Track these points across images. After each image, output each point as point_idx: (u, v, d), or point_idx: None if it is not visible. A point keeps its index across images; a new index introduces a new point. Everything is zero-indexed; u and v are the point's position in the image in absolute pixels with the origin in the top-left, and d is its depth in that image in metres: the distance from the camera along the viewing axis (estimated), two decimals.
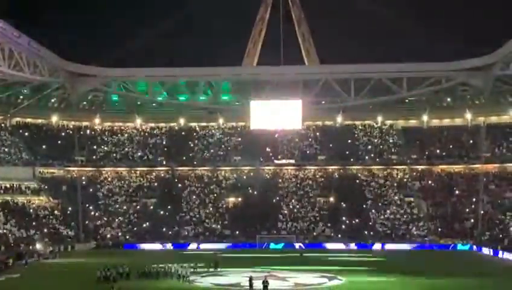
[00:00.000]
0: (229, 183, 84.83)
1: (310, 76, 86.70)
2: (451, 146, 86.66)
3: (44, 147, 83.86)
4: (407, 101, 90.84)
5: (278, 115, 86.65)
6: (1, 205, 69.78)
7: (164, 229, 74.99)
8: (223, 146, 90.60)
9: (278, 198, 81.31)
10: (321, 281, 39.48)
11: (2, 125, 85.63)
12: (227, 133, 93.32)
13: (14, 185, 75.47)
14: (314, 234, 74.48)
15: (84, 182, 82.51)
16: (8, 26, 62.21)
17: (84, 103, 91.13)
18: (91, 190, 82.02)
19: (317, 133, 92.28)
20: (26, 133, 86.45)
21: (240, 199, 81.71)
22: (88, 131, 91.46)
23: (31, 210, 73.35)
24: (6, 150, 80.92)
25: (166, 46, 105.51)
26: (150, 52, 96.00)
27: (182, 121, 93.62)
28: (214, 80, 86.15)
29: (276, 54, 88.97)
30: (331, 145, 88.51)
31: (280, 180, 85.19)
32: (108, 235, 74.24)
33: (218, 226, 76.37)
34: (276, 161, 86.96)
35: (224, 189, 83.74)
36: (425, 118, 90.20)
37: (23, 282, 40.54)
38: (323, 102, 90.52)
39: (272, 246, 70.52)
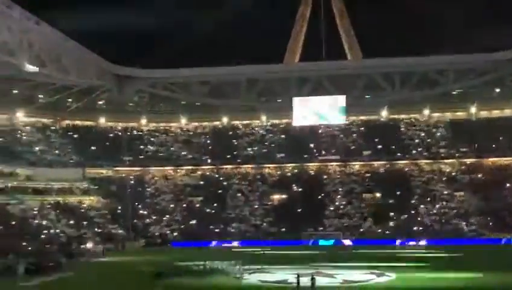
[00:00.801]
0: (274, 181, 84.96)
1: (353, 71, 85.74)
2: (501, 138, 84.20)
3: (93, 148, 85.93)
4: (454, 93, 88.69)
5: (321, 110, 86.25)
6: (53, 206, 71.95)
7: (211, 226, 75.75)
8: (266, 143, 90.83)
9: (323, 195, 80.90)
10: (369, 277, 39.00)
11: (52, 128, 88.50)
12: (270, 130, 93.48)
13: (65, 186, 77.67)
14: (361, 230, 73.76)
15: (132, 182, 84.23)
16: (56, 32, 64.05)
17: (131, 104, 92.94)
18: (139, 189, 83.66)
19: (362, 128, 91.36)
20: (76, 136, 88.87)
21: (284, 196, 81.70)
22: (135, 132, 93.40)
23: (82, 210, 75.41)
24: (56, 152, 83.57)
25: (208, 45, 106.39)
26: (192, 52, 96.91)
27: (225, 119, 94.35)
28: (256, 77, 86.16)
29: (317, 49, 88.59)
30: (376, 140, 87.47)
31: (325, 177, 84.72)
32: (157, 233, 75.55)
33: (264, 224, 76.60)
34: (320, 157, 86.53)
35: (269, 186, 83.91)
36: (473, 109, 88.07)
37: (76, 281, 41.53)
38: (367, 96, 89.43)
39: (322, 242, 69.89)
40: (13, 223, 59.41)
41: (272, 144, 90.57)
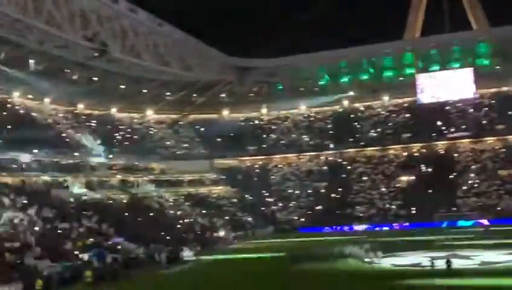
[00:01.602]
0: (400, 162, 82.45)
1: (480, 41, 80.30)
2: None
3: (218, 140, 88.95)
4: None
5: (447, 86, 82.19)
6: (186, 197, 75.70)
7: (337, 211, 75.35)
8: (390, 124, 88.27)
9: (454, 174, 77.03)
10: (510, 258, 36.52)
11: (180, 123, 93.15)
12: (393, 110, 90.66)
13: (196, 178, 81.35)
14: (498, 209, 69.22)
15: (257, 170, 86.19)
16: (177, 31, 67.03)
17: (251, 94, 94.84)
18: (264, 177, 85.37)
19: (493, 101, 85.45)
20: (202, 129, 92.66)
21: (413, 178, 78.99)
22: (256, 121, 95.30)
23: (212, 200, 78.56)
24: (185, 145, 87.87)
25: (323, 29, 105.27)
26: (306, 37, 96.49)
27: (345, 102, 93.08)
28: (375, 56, 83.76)
29: (439, 22, 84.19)
30: (510, 112, 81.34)
31: (455, 155, 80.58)
32: (284, 220, 76.69)
33: (393, 206, 74.68)
34: (449, 135, 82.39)
35: (396, 168, 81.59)
36: None
37: (212, 267, 43.25)
38: (497, 67, 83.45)
39: (461, 223, 66.49)
40: (151, 214, 63.22)
41: (396, 124, 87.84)
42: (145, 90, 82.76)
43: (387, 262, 37.68)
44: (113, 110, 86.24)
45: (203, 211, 72.13)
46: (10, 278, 33.45)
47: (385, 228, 68.48)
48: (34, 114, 70.82)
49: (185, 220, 66.61)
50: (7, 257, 36.38)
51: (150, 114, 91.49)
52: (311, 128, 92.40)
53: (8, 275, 33.75)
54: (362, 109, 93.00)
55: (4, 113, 64.68)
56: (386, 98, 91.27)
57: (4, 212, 42.98)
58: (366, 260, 38.85)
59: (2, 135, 56.40)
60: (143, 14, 60.17)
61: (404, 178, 79.44)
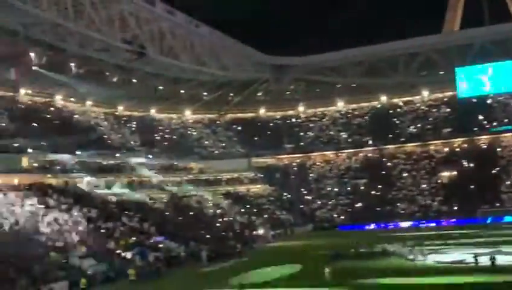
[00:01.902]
0: (441, 157, 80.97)
1: None
2: None
3: (256, 138, 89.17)
4: None
5: (488, 79, 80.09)
6: (225, 195, 76.18)
7: (377, 209, 74.54)
8: (430, 119, 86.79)
9: (498, 169, 75.16)
10: None
11: (217, 122, 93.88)
12: (433, 105, 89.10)
13: (234, 176, 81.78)
14: None
15: (295, 168, 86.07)
16: (213, 31, 67.50)
17: (288, 92, 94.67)
18: (302, 175, 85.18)
19: None
20: (239, 128, 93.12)
21: (454, 173, 77.45)
22: (293, 119, 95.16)
23: (251, 198, 78.84)
24: (223, 145, 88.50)
25: (359, 25, 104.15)
26: (341, 34, 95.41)
27: (383, 98, 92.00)
28: (415, 51, 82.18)
29: (477, 15, 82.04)
30: None
31: (499, 149, 78.63)
32: (324, 218, 76.35)
33: (435, 203, 73.43)
34: (492, 129, 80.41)
35: (437, 163, 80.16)
36: None
37: (252, 265, 43.39)
38: None
39: (507, 219, 64.81)
40: (191, 213, 63.90)
41: (436, 119, 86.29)
42: (183, 91, 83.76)
43: (431, 259, 37.09)
44: (152, 111, 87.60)
45: (242, 210, 72.44)
46: (56, 277, 34.40)
47: (431, 224, 67.16)
48: (76, 116, 72.46)
49: (224, 219, 67.09)
50: (52, 256, 37.39)
51: (188, 114, 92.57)
52: (349, 125, 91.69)
53: (54, 274, 34.72)
54: (401, 104, 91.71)
55: (48, 116, 66.41)
56: (425, 92, 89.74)
57: (49, 213, 44.16)
58: (409, 257, 38.31)
59: (46, 137, 57.83)
60: (180, 16, 60.83)
61: (445, 174, 78.02)
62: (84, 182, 57.78)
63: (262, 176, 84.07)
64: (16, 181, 48.94)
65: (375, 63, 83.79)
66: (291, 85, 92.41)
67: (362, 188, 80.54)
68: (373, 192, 78.66)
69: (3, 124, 55.79)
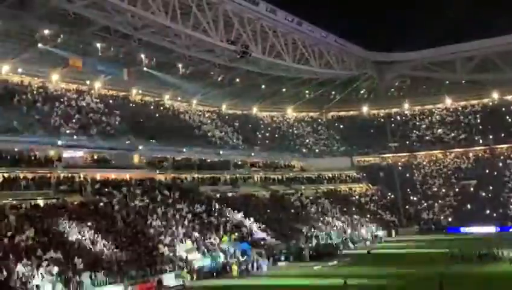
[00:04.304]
0: None
1: None
2: None
3: (358, 136, 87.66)
4: None
5: None
6: (326, 194, 75.52)
7: (488, 211, 70.53)
8: None
9: None
10: None
11: (319, 120, 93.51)
12: None
13: (336, 175, 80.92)
14: None
15: (400, 168, 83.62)
16: (316, 28, 67.10)
17: (392, 89, 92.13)
18: (407, 175, 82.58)
19: None
20: (341, 126, 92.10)
21: None
22: (398, 117, 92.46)
23: (353, 197, 77.59)
24: (325, 142, 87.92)
25: (469, 18, 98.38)
26: (450, 27, 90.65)
27: (495, 95, 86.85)
28: None
29: None
30: None
31: None
32: (430, 219, 73.51)
33: None
34: None
35: None
36: None
37: (352, 267, 42.69)
38: None
39: None
40: (292, 211, 64.08)
41: None
42: (285, 89, 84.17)
43: None
44: (255, 110, 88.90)
45: (344, 209, 71.50)
46: (163, 269, 35.95)
47: None
48: (182, 115, 75.23)
49: (326, 218, 66.58)
50: (161, 248, 39.07)
51: (290, 112, 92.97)
52: (458, 123, 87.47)
53: (161, 267, 36.32)
54: None
55: (157, 115, 69.47)
56: None
57: (157, 207, 46.18)
58: None
59: (156, 135, 60.51)
60: (282, 14, 61.05)
61: None
62: (190, 178, 59.76)
63: (365, 175, 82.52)
64: (127, 176, 51.60)
65: (486, 58, 78.92)
66: (396, 82, 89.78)
67: (472, 189, 76.56)
68: (483, 193, 74.53)
69: (117, 123, 58.98)
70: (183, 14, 48.32)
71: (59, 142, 46.97)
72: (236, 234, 47.23)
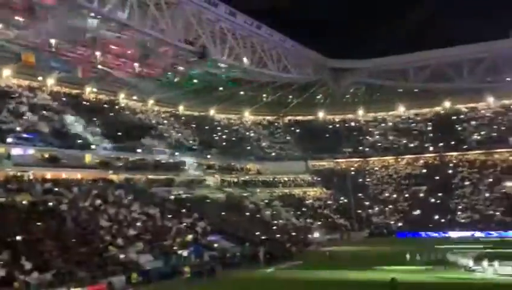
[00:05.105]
0: (507, 167, 77.76)
1: None
2: None
3: (314, 141, 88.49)
4: None
5: None
6: (280, 197, 76.00)
7: (436, 216, 72.46)
8: (495, 127, 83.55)
9: None
10: None
11: (276, 124, 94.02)
12: (499, 112, 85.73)
13: (291, 179, 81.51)
14: None
15: (352, 173, 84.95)
16: (274, 32, 67.52)
17: (348, 96, 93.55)
18: (360, 180, 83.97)
19: None
20: (297, 130, 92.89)
21: None
22: (352, 123, 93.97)
23: (307, 201, 78.31)
24: (281, 146, 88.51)
25: (422, 30, 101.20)
26: (403, 37, 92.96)
27: (447, 104, 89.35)
28: (481, 56, 79.08)
29: None
30: None
31: None
32: (381, 223, 74.93)
33: (497, 213, 70.59)
34: None
35: (501, 173, 77.02)
36: None
37: (307, 268, 43.08)
38: None
39: None
40: (247, 214, 64.09)
41: (502, 127, 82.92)
42: (242, 92, 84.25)
43: (490, 271, 35.63)
44: (212, 112, 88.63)
45: (298, 213, 72.04)
46: (113, 271, 35.27)
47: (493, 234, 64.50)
48: (138, 115, 74.20)
49: (280, 221, 66.94)
50: (111, 250, 38.35)
51: (247, 115, 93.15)
52: (410, 130, 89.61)
53: (112, 269, 35.63)
54: (465, 110, 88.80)
55: (112, 114, 68.30)
56: (491, 99, 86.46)
57: (109, 208, 45.36)
58: (470, 268, 37.00)
59: (112, 135, 59.50)
60: (241, 17, 61.18)
61: (510, 183, 74.79)
62: (144, 179, 58.98)
63: (319, 179, 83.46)
64: (79, 176, 50.54)
65: (438, 68, 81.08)
66: (351, 88, 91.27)
67: (421, 195, 78.54)
68: (433, 200, 76.55)
69: (70, 121, 57.75)
70: (142, 13, 47.82)
71: (8, 140, 45.56)
72: (189, 236, 46.85)
